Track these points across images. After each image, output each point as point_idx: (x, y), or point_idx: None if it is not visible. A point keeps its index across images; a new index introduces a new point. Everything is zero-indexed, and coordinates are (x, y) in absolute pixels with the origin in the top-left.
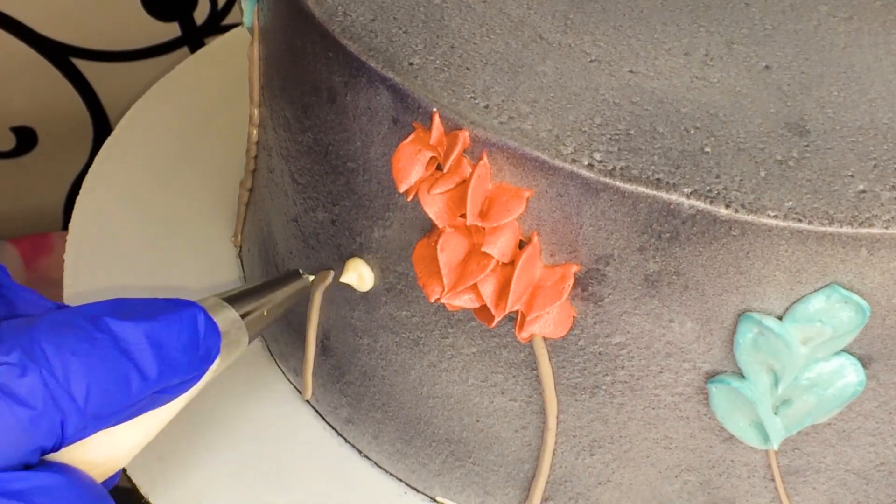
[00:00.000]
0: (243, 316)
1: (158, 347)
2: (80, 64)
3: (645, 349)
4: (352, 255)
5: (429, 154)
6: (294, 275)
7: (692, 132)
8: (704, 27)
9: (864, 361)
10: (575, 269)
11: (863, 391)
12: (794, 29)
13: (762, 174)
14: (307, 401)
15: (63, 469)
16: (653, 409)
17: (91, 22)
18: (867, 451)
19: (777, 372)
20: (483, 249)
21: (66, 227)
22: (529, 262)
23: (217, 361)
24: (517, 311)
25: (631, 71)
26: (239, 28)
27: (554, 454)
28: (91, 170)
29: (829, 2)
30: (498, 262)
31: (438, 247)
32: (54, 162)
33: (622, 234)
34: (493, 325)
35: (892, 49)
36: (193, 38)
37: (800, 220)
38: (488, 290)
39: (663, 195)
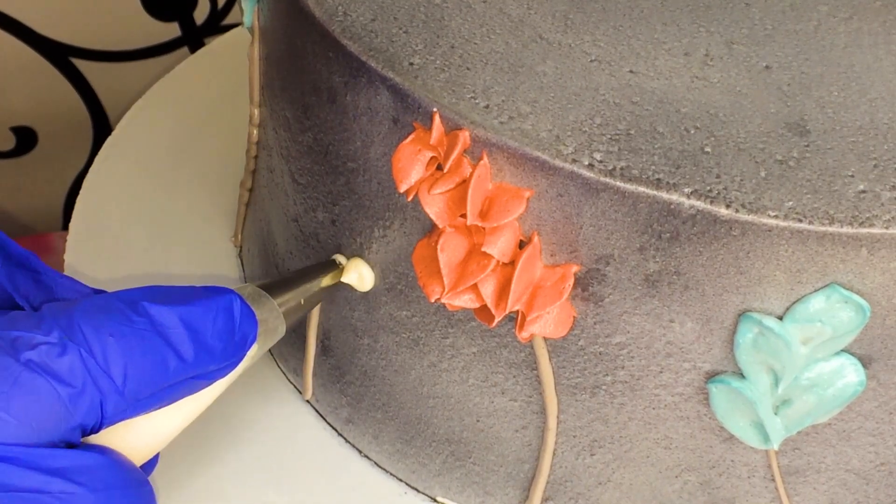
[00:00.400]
0: (280, 305)
1: (194, 331)
2: (80, 64)
3: (645, 349)
4: (352, 255)
5: (429, 154)
6: (331, 264)
7: (692, 132)
8: (704, 27)
9: (865, 361)
10: (575, 269)
11: (863, 391)
12: (794, 29)
13: (762, 174)
14: (307, 401)
15: (104, 450)
16: (653, 409)
17: (91, 22)
18: (867, 451)
19: (777, 372)
20: (483, 249)
21: (66, 227)
22: (530, 262)
23: (254, 348)
24: (517, 311)
25: (631, 71)
26: (239, 28)
27: (554, 454)
28: (91, 170)
29: (829, 2)
30: (498, 262)
31: (439, 247)
32: (54, 162)
33: (622, 234)
34: (494, 325)
35: (892, 49)
36: (193, 38)
37: (800, 220)
38: (488, 290)
39: (663, 195)
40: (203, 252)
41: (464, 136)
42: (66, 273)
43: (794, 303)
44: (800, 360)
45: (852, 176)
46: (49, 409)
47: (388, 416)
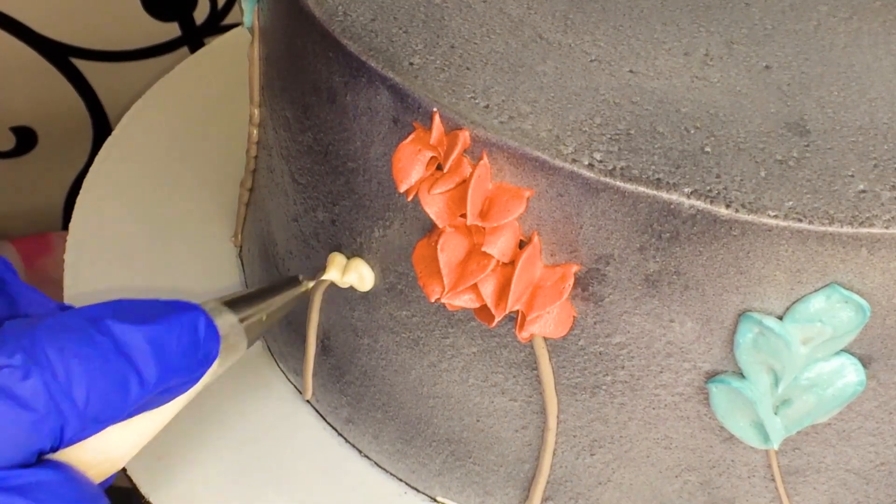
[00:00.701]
0: (242, 320)
1: (158, 350)
2: (80, 64)
3: (645, 349)
4: (352, 255)
5: (429, 154)
6: (293, 281)
7: (692, 132)
8: (704, 27)
9: (865, 361)
10: (575, 268)
11: (863, 391)
12: (793, 29)
13: (762, 174)
14: (307, 401)
15: (60, 466)
16: (653, 408)
17: (91, 22)
18: (867, 451)
19: (777, 372)
20: (483, 249)
21: (66, 227)
22: (529, 261)
23: (215, 365)
24: (517, 311)
25: (631, 71)
26: (239, 28)
27: (554, 454)
28: (91, 170)
29: (829, 2)
30: (498, 261)
31: (439, 247)
32: (54, 162)
33: (622, 234)
34: (494, 324)
35: (892, 49)
36: (193, 38)
37: (800, 220)
38: (488, 289)
39: (663, 195)
40: (203, 252)
41: (464, 136)
42: (65, 273)
43: (794, 303)
44: (800, 359)
45: (852, 176)
46: (10, 434)
47: (388, 415)
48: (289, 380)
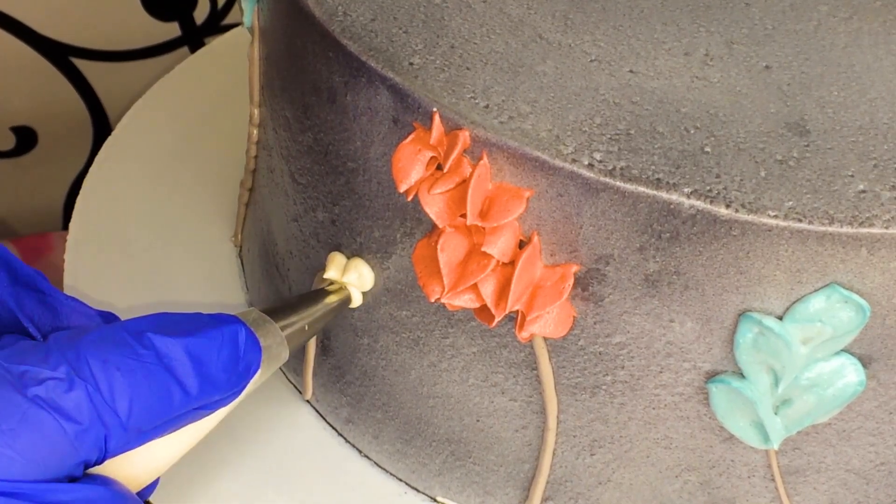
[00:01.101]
0: (284, 328)
1: (199, 363)
2: (80, 64)
3: (645, 349)
4: (352, 255)
5: (429, 154)
6: (339, 290)
7: (692, 132)
8: (704, 27)
9: (865, 361)
10: (575, 268)
11: (863, 391)
12: (794, 29)
13: (762, 174)
14: (307, 401)
15: (106, 482)
16: (653, 408)
17: (91, 22)
18: (867, 451)
19: (777, 372)
20: (483, 249)
21: (66, 227)
22: (529, 261)
23: (257, 375)
24: (517, 311)
25: (631, 71)
26: (239, 28)
27: (554, 454)
28: (91, 170)
29: (830, 2)
30: (498, 261)
31: (439, 247)
32: (54, 162)
33: (622, 234)
34: (494, 325)
35: (892, 49)
36: (193, 38)
37: (800, 220)
38: (488, 289)
39: (663, 195)
40: (203, 252)
41: (464, 136)
42: (66, 273)
43: (794, 303)
44: (800, 359)
45: (852, 176)
46: (55, 446)
47: (388, 415)
48: (289, 380)
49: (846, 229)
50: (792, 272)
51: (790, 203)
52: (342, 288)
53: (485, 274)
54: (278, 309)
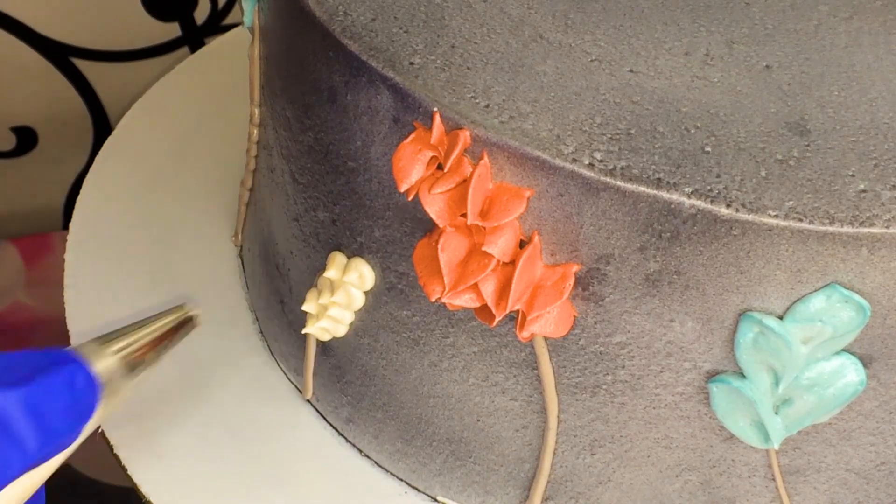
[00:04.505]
0: (124, 355)
1: (38, 417)
2: (80, 64)
3: (646, 349)
4: (352, 255)
5: (429, 154)
6: (177, 309)
7: (692, 132)
8: (705, 27)
9: (865, 361)
10: (576, 268)
11: (863, 391)
12: (794, 28)
13: (763, 174)
14: (308, 400)
15: None
16: (653, 408)
17: (91, 22)
18: (867, 451)
19: (777, 371)
20: (484, 249)
21: (66, 227)
22: (530, 261)
23: (98, 413)
24: (518, 311)
25: (631, 70)
26: (239, 28)
27: (554, 454)
28: (91, 170)
29: (830, 1)
30: (499, 261)
31: (439, 246)
32: (54, 162)
33: (623, 234)
34: (494, 324)
35: (892, 49)
36: (193, 38)
37: (801, 220)
38: (489, 289)
39: (664, 195)
40: (203, 252)
41: (464, 136)
42: (66, 273)
43: (794, 302)
44: (800, 359)
45: (853, 175)
46: None
47: (388, 415)
48: (289, 380)
49: (847, 229)
50: (792, 272)
51: (791, 203)
52: (181, 307)
53: (485, 273)
54: (115, 336)
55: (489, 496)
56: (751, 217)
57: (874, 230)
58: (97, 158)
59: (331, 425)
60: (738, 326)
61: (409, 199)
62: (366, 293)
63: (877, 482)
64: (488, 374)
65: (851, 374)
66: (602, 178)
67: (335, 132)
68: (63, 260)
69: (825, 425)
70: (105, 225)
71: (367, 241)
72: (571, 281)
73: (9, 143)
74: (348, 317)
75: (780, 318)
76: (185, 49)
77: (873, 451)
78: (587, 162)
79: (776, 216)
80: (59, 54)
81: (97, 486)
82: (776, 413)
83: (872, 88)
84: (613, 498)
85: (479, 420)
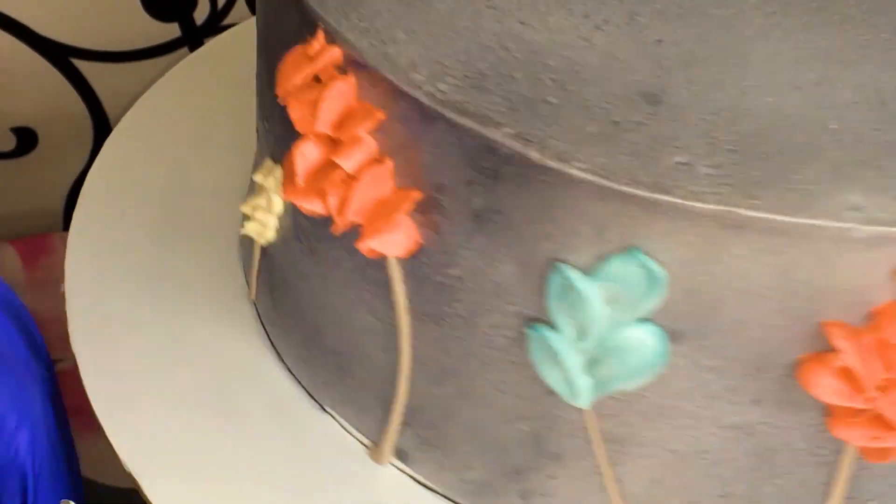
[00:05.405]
0: None
1: None
2: (80, 64)
3: (477, 286)
4: (276, 162)
5: (309, 66)
6: None
7: (547, 83)
8: None
9: (675, 336)
10: (415, 194)
11: (677, 368)
12: (710, 13)
13: (592, 130)
14: (253, 302)
15: None
16: (487, 348)
17: (91, 22)
18: (686, 434)
19: (582, 327)
20: (334, 160)
21: (66, 228)
22: (373, 178)
23: None
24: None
25: (521, 22)
26: (239, 28)
27: (409, 380)
28: (91, 170)
29: None
30: (348, 175)
31: (297, 150)
32: (54, 162)
33: (453, 166)
34: (339, 233)
35: (798, 46)
36: (193, 38)
37: (606, 178)
38: (334, 200)
39: (486, 132)
40: (204, 252)
41: (333, 52)
42: (66, 273)
43: (597, 260)
44: (603, 319)
45: (678, 147)
46: None
47: (296, 321)
48: (291, 378)
49: (646, 193)
50: (597, 229)
51: (603, 160)
52: None
53: (333, 184)
54: None
55: (361, 413)
56: (557, 165)
57: (674, 199)
58: (97, 158)
59: (264, 329)
60: (548, 276)
61: (282, 104)
62: (284, 200)
63: (699, 471)
64: (360, 292)
65: (652, 343)
66: (435, 108)
67: (268, 58)
68: (63, 260)
69: (641, 396)
70: (105, 225)
71: (284, 148)
72: (409, 204)
73: (9, 143)
74: (272, 221)
75: (586, 273)
76: (185, 49)
77: (692, 437)
78: (428, 90)
79: (583, 169)
80: (58, 55)
81: (97, 486)
82: (586, 373)
83: (753, 77)
84: (460, 435)
85: (353, 336)
